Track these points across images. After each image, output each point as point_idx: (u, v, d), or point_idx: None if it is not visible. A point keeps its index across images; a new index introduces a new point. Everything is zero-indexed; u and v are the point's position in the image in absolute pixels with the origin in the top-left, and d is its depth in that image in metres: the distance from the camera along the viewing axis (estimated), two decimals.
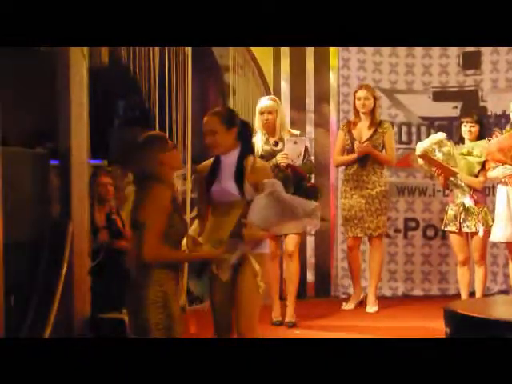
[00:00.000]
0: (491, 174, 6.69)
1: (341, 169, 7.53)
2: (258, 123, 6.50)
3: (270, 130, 6.48)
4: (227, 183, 4.40)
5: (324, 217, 7.17)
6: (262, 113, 6.49)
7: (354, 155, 7.09)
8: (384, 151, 7.15)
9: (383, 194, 7.16)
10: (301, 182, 6.26)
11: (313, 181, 6.77)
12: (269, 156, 6.33)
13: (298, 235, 6.62)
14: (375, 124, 7.14)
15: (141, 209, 3.92)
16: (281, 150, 6.39)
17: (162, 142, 4.12)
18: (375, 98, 7.18)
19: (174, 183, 4.58)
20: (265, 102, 6.53)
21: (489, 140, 6.60)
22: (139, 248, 3.88)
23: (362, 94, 7.14)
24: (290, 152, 6.32)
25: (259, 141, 6.42)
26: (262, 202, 4.20)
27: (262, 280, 4.42)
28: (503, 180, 6.62)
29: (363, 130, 7.14)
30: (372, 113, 7.14)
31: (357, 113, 7.21)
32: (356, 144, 7.05)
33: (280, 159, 6.28)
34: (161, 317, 3.87)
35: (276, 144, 6.48)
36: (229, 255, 4.22)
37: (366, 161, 7.09)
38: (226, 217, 4.35)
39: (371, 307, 7.19)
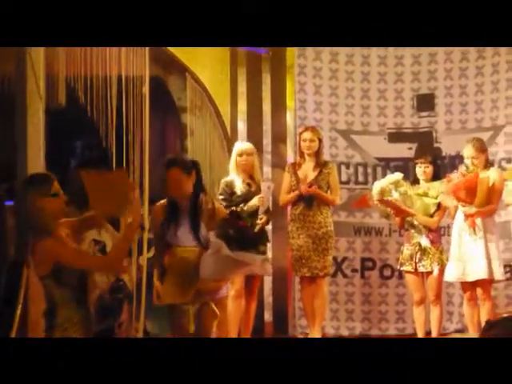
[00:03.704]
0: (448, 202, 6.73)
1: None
2: (234, 165, 6.59)
3: (247, 171, 6.58)
4: (184, 230, 4.50)
5: (277, 256, 7.24)
6: (241, 154, 6.59)
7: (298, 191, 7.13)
8: (329, 191, 7.19)
9: (329, 233, 7.15)
10: (244, 232, 6.19)
11: (270, 223, 6.85)
12: (245, 196, 6.51)
13: (261, 276, 6.69)
14: (320, 165, 7.18)
15: None
16: (255, 192, 6.58)
17: (42, 184, 3.80)
18: (320, 140, 7.23)
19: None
20: (243, 144, 6.67)
21: (450, 177, 6.69)
22: None
23: (307, 135, 7.18)
24: (265, 195, 6.46)
25: (237, 181, 6.53)
26: (210, 261, 4.29)
27: (224, 323, 4.50)
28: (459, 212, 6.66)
29: (308, 171, 7.17)
30: (317, 154, 7.18)
31: (301, 154, 7.26)
32: (301, 186, 7.07)
33: (259, 202, 6.48)
34: None
35: (249, 186, 6.58)
36: (188, 307, 4.33)
37: (311, 201, 7.10)
38: (188, 269, 4.41)
39: None
